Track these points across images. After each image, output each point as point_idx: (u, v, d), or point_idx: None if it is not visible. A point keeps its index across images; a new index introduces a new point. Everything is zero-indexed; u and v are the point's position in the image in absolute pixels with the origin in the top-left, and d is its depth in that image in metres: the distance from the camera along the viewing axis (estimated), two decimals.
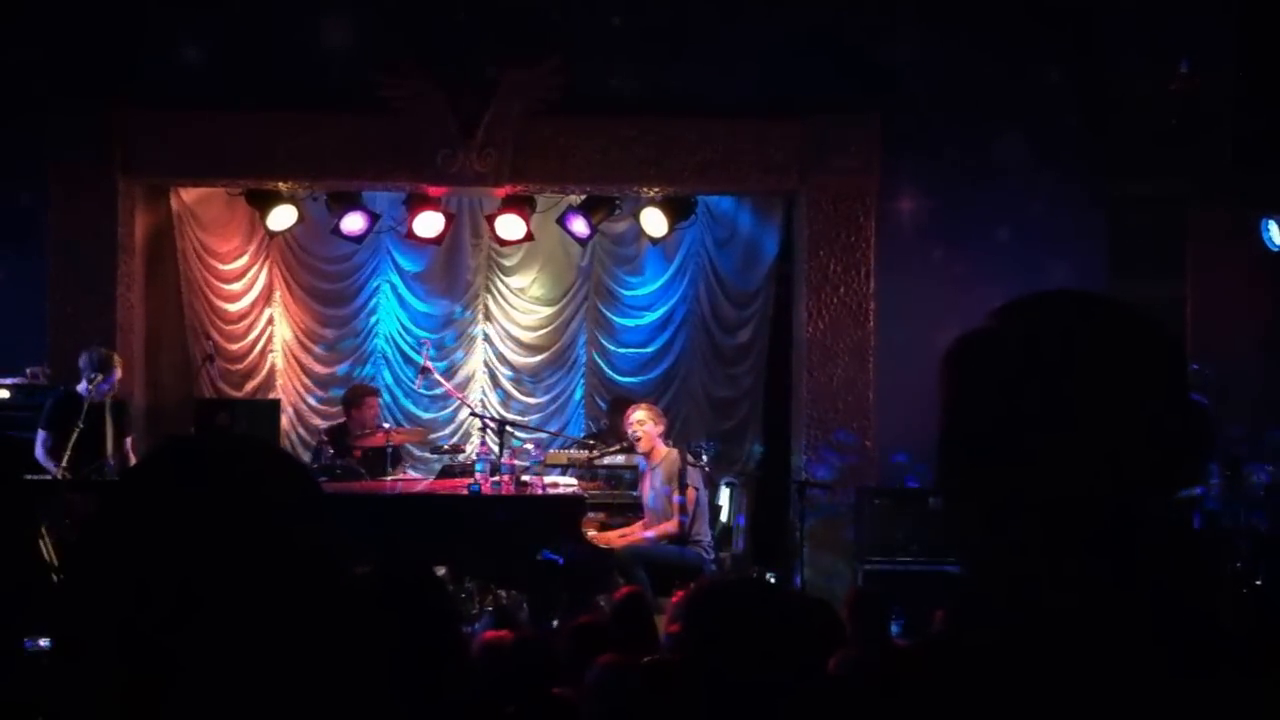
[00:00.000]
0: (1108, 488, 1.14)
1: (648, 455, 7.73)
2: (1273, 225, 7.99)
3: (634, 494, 8.39)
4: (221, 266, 9.91)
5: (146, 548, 1.03)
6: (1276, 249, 8.08)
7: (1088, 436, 1.14)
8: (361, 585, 2.36)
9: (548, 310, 10.29)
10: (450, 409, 10.15)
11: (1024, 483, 1.15)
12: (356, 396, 9.01)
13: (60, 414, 7.32)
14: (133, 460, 7.69)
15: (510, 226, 9.10)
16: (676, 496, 7.40)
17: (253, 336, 10.10)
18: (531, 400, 10.28)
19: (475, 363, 10.32)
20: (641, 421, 7.68)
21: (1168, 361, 1.18)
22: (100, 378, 7.38)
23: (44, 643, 5.79)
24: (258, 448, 1.13)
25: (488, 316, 10.32)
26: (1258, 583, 7.07)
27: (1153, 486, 1.16)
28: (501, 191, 8.97)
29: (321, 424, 9.74)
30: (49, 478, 7.17)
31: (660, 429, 7.75)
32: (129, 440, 7.81)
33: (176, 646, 1.00)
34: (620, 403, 9.80)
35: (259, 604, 1.02)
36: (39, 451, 7.34)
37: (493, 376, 10.32)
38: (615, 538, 7.66)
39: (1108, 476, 1.14)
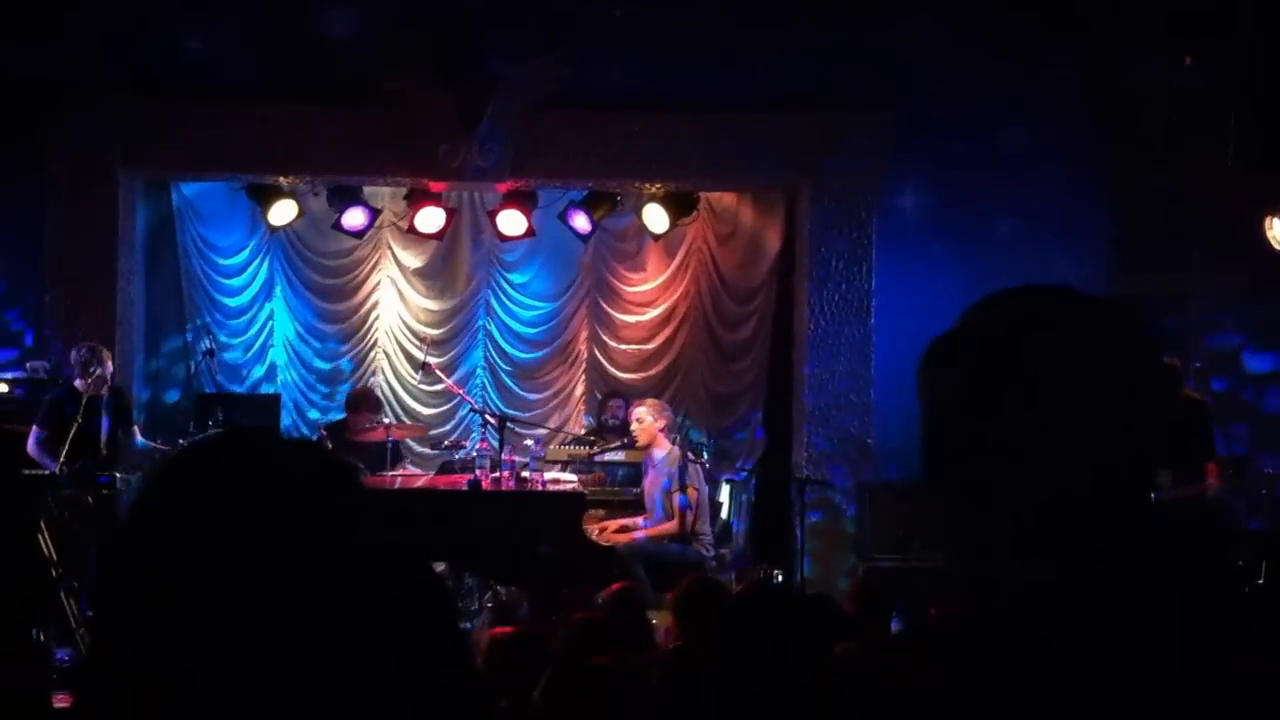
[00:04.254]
0: (1080, 485, 1.13)
1: (649, 451, 7.72)
2: (1276, 223, 7.96)
3: (635, 490, 8.37)
4: (222, 261, 9.91)
5: (177, 557, 0.98)
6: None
7: (1055, 433, 1.13)
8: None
9: (549, 306, 10.27)
10: (451, 404, 10.14)
11: (998, 480, 1.15)
12: (356, 404, 8.95)
13: (57, 410, 7.31)
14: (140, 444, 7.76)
15: (511, 222, 9.08)
16: (678, 494, 7.38)
17: (253, 331, 10.09)
18: (532, 396, 10.27)
19: (476, 358, 10.31)
20: (640, 419, 7.66)
21: (1139, 356, 1.17)
22: (98, 371, 7.37)
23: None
24: (303, 449, 1.09)
25: (488, 312, 10.31)
26: (1259, 582, 7.05)
27: (1128, 482, 1.15)
28: (503, 186, 8.95)
29: (321, 419, 9.72)
30: (46, 473, 7.16)
31: (663, 424, 7.71)
32: (135, 430, 7.81)
33: (196, 654, 0.96)
34: (609, 396, 9.80)
35: (286, 612, 0.98)
36: (32, 447, 7.32)
37: (493, 372, 10.30)
38: (615, 531, 7.64)
39: (1079, 473, 1.13)
